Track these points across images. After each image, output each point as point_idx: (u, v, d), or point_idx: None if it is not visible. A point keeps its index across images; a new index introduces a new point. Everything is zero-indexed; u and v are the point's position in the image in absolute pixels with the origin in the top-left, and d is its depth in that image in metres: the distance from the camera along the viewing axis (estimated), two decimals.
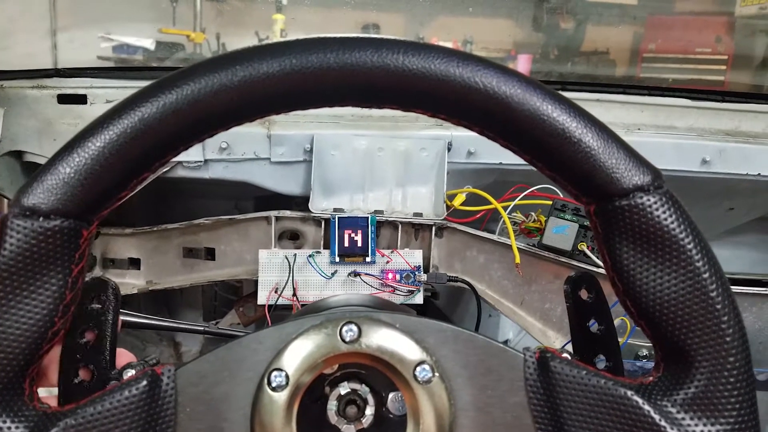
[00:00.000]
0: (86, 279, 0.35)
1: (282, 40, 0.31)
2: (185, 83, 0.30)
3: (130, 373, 0.34)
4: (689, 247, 0.31)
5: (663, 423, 0.31)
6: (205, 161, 0.81)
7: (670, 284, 0.31)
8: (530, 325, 0.82)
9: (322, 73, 0.30)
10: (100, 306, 0.35)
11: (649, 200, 0.31)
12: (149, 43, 1.56)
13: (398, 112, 0.87)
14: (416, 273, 0.81)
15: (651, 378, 0.33)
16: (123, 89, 0.86)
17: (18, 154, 0.84)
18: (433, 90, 0.30)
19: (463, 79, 0.30)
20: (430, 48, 0.30)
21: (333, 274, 0.80)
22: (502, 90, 0.30)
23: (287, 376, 0.34)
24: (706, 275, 0.31)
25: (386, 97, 0.31)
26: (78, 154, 0.30)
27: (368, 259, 0.80)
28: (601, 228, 0.32)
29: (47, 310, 0.30)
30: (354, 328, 0.35)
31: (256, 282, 0.81)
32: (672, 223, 0.31)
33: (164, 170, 0.81)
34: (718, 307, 0.31)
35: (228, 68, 0.30)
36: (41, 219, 0.29)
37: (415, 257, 0.81)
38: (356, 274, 0.80)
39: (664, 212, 0.31)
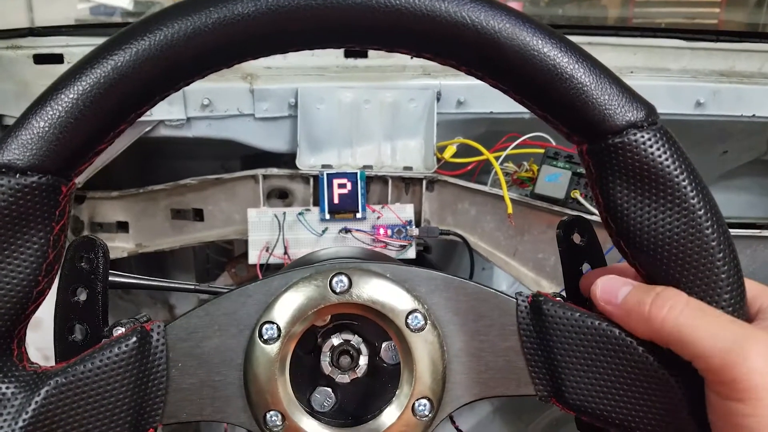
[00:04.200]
0: (72, 241, 0.34)
1: None
2: (157, 28, 0.29)
3: (120, 330, 0.34)
4: (684, 183, 0.30)
5: (659, 363, 0.31)
6: (188, 119, 0.79)
7: (665, 222, 0.30)
8: (523, 275, 0.82)
9: (301, 12, 0.29)
10: (89, 265, 0.35)
11: (642, 137, 0.30)
12: (127, 3, 1.52)
13: (385, 62, 0.85)
14: (408, 227, 0.80)
15: None
16: None
17: None
18: (417, 27, 0.29)
19: (450, 14, 0.29)
20: None
21: (324, 231, 0.79)
22: (490, 25, 0.29)
23: (278, 328, 0.34)
24: (701, 212, 0.30)
25: (368, 36, 0.30)
26: (51, 108, 0.29)
27: (359, 215, 0.79)
28: (593, 168, 0.31)
29: (30, 269, 0.30)
30: (344, 279, 0.35)
31: (246, 242, 0.80)
32: (666, 159, 0.30)
33: (146, 129, 0.79)
34: (713, 244, 0.30)
35: (201, 10, 0.29)
36: (18, 176, 0.29)
37: (407, 212, 0.81)
38: (347, 230, 0.79)
39: (658, 149, 0.30)
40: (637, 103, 0.30)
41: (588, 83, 0.30)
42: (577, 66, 0.30)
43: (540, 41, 0.29)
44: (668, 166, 0.30)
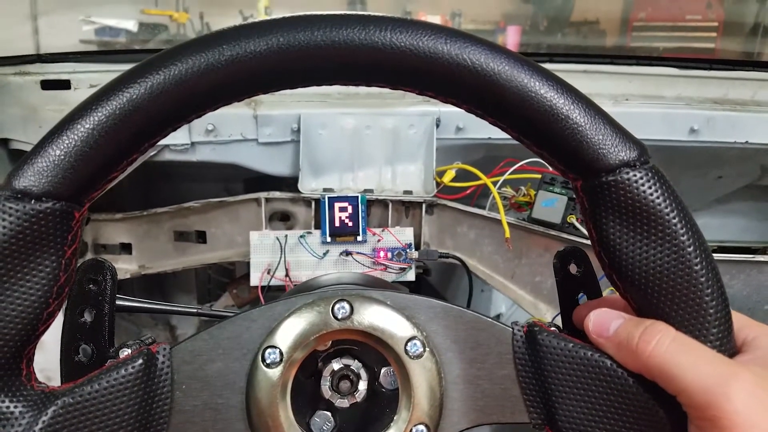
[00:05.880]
0: (80, 263, 0.35)
1: (268, 18, 0.31)
2: (173, 63, 0.30)
3: (126, 352, 0.35)
4: (674, 221, 0.31)
5: (648, 395, 0.32)
6: (192, 144, 0.81)
7: (655, 258, 0.31)
8: (521, 298, 0.83)
9: (309, 52, 0.30)
10: (96, 287, 0.36)
11: (635, 176, 0.31)
12: (132, 25, 1.54)
13: (386, 89, 0.87)
14: (407, 250, 0.81)
15: None
16: (107, 73, 0.84)
17: (4, 142, 0.84)
18: (421, 67, 0.30)
19: (452, 56, 0.30)
20: (417, 24, 0.30)
21: (325, 254, 0.80)
22: (490, 67, 0.30)
23: (281, 353, 0.35)
24: (690, 248, 0.31)
25: (374, 75, 0.31)
26: (68, 137, 0.30)
27: (359, 238, 0.80)
28: (587, 203, 0.33)
29: (42, 292, 0.31)
30: (346, 305, 0.36)
31: (248, 264, 0.81)
32: (657, 197, 0.31)
33: (152, 153, 0.80)
34: (702, 279, 0.31)
35: (214, 48, 0.30)
36: (33, 201, 0.30)
37: (406, 235, 0.82)
38: (348, 253, 0.80)
39: (649, 187, 0.31)
40: (629, 143, 0.31)
41: (583, 124, 0.31)
42: (572, 107, 0.31)
43: (537, 83, 0.30)
44: (659, 204, 0.31)
